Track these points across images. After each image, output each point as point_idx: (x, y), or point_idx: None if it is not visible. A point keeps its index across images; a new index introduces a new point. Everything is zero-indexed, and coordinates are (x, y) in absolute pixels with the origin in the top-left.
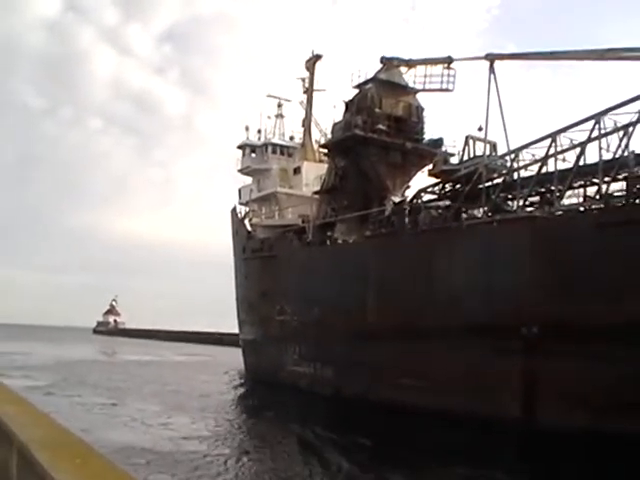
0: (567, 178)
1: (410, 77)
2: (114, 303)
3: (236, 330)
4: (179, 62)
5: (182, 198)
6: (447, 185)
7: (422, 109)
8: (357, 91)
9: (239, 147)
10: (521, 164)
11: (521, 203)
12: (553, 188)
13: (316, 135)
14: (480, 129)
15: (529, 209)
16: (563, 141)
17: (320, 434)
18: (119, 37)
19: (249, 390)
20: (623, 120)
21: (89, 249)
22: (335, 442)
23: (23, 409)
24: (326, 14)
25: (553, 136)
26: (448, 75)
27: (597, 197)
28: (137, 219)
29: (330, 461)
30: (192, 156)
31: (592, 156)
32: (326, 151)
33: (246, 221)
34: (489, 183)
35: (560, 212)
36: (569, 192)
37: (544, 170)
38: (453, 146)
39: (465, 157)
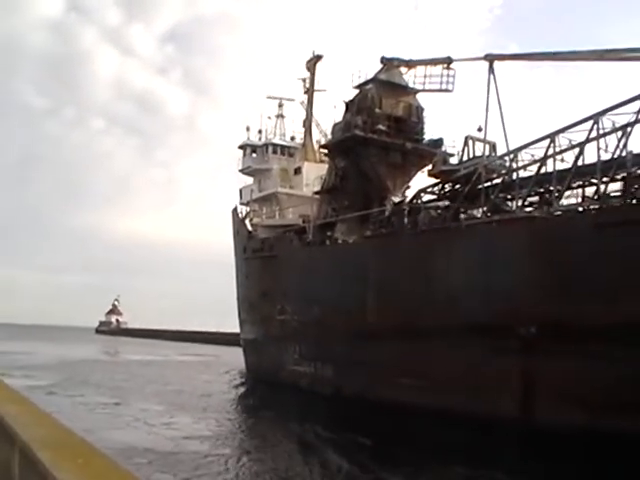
0: (566, 178)
1: (410, 77)
2: (116, 303)
3: (238, 330)
4: (181, 62)
5: (185, 198)
6: (447, 185)
7: (422, 109)
8: (357, 91)
9: (240, 147)
10: (520, 164)
11: (520, 203)
12: (552, 188)
13: (317, 135)
14: (479, 129)
15: (528, 209)
16: (562, 141)
17: (320, 434)
18: (121, 37)
19: (250, 390)
20: (621, 120)
21: (92, 249)
22: (335, 442)
23: (25, 409)
24: (328, 14)
25: (552, 136)
26: (448, 75)
27: (596, 197)
28: (140, 219)
29: (330, 461)
30: (195, 156)
31: (591, 156)
32: (326, 151)
33: (247, 221)
34: (488, 183)
35: (559, 212)
36: (568, 192)
37: (543, 170)
38: (453, 146)
39: (464, 157)
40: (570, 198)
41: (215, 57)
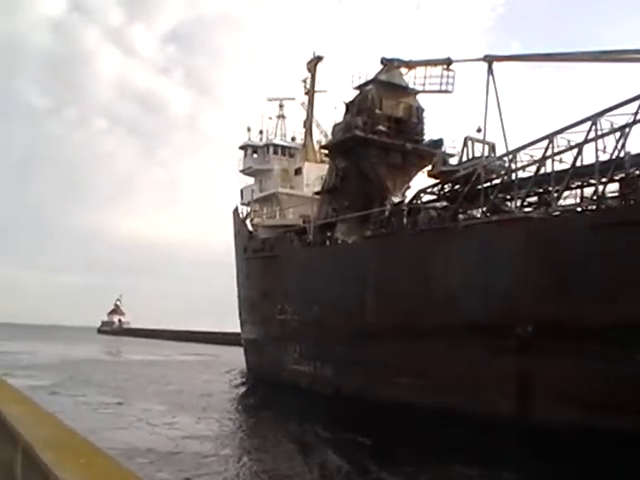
0: (564, 179)
1: (410, 78)
2: (118, 303)
3: (239, 330)
4: (183, 62)
5: (187, 198)
6: (446, 186)
7: (422, 110)
8: (357, 92)
9: (241, 148)
10: (519, 165)
11: (519, 204)
12: (550, 189)
13: (317, 136)
14: (479, 130)
15: (527, 210)
16: (561, 142)
17: (320, 433)
18: (124, 37)
19: (250, 389)
20: (620, 121)
21: (94, 249)
22: (335, 441)
23: (28, 409)
24: (331, 14)
25: (550, 137)
26: (447, 76)
27: (594, 198)
28: (142, 219)
29: (330, 461)
30: (197, 156)
31: (589, 157)
32: (327, 152)
33: (248, 221)
34: (488, 184)
35: (557, 213)
36: (567, 193)
37: (542, 171)
38: (453, 147)
39: (464, 158)
40: (569, 199)
41: (217, 57)
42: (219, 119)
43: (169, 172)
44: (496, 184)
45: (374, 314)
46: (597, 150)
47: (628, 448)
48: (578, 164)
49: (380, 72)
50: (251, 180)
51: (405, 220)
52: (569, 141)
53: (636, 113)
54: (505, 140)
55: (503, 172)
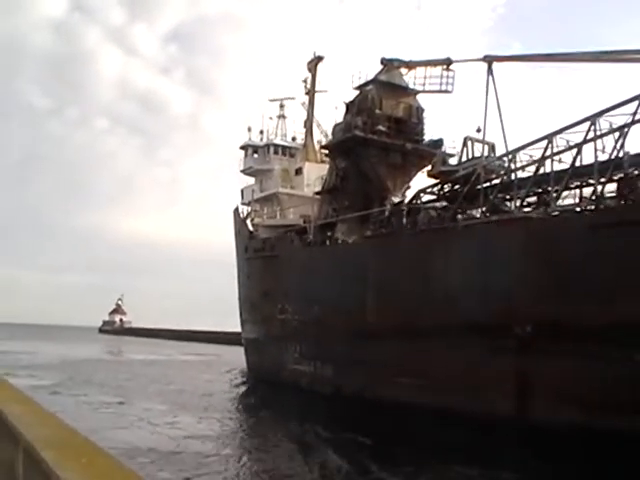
0: (563, 179)
1: (410, 78)
2: (120, 302)
3: (240, 329)
4: (185, 62)
5: (189, 198)
6: (446, 186)
7: (422, 110)
8: (358, 92)
9: (242, 148)
10: (518, 165)
11: (518, 204)
12: (550, 189)
13: (318, 136)
14: (479, 130)
15: (526, 209)
16: (560, 142)
17: (320, 433)
18: (125, 37)
19: (251, 389)
20: (619, 121)
21: (95, 249)
22: (335, 441)
23: (29, 408)
24: (331, 14)
25: (549, 137)
26: (447, 77)
27: (593, 198)
28: (143, 219)
29: (330, 460)
30: (198, 156)
31: (588, 157)
32: (327, 152)
33: (248, 221)
34: (487, 184)
35: (556, 213)
36: (567, 193)
37: (541, 171)
38: (453, 147)
39: (464, 158)
40: (568, 199)
41: (218, 57)
42: (220, 119)
43: (170, 172)
44: (496, 184)
45: (374, 314)
46: (596, 150)
47: (627, 448)
48: (577, 164)
49: (380, 72)
50: (252, 180)
51: (405, 220)
52: (568, 141)
53: (635, 113)
54: (505, 140)
55: (503, 172)
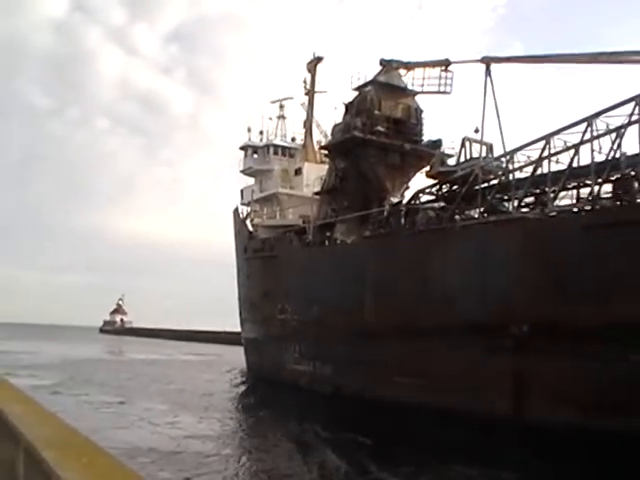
0: (560, 179)
1: (409, 79)
2: (121, 302)
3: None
4: (185, 62)
5: (189, 198)
6: (444, 186)
7: (421, 111)
8: (357, 93)
9: (241, 148)
10: (516, 166)
11: (516, 204)
12: (547, 189)
13: (317, 136)
14: (477, 131)
15: (524, 210)
16: (557, 143)
17: (320, 433)
18: (126, 37)
19: (251, 389)
20: (615, 122)
21: (95, 249)
22: (335, 441)
23: (30, 408)
24: (332, 14)
25: (547, 138)
26: (446, 78)
27: (590, 198)
28: (144, 219)
29: (330, 460)
30: (199, 156)
31: (586, 158)
32: (327, 152)
33: (248, 221)
34: (485, 184)
35: (554, 213)
36: (564, 193)
37: (539, 171)
38: (452, 148)
39: (462, 159)
40: (566, 199)
41: (219, 57)
42: (220, 119)
43: (171, 172)
44: (493, 185)
45: (372, 314)
46: (593, 151)
47: (627, 448)
48: (574, 165)
49: (379, 73)
50: (251, 180)
51: (403, 220)
52: (565, 142)
53: (631, 114)
54: (503, 141)
55: (500, 173)
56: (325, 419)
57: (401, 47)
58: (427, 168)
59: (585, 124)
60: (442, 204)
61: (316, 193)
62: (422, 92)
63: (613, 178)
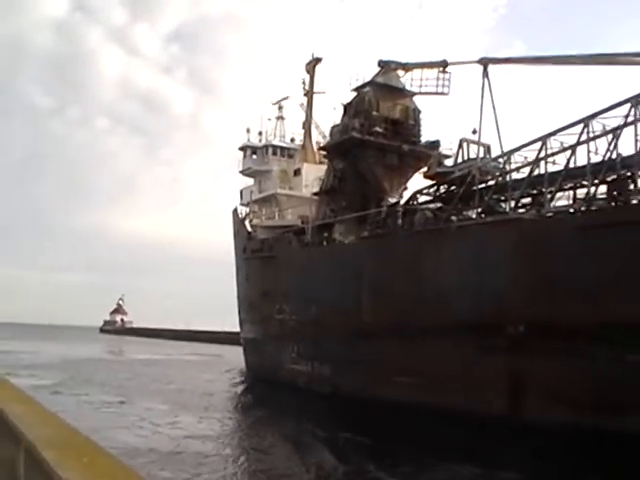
0: (557, 180)
1: (407, 80)
2: (121, 302)
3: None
4: (186, 62)
5: (190, 197)
6: (442, 187)
7: (419, 112)
8: (355, 94)
9: (240, 149)
10: (513, 166)
11: (513, 205)
12: (544, 190)
13: (316, 137)
14: (474, 132)
15: (521, 210)
16: (554, 144)
17: (318, 433)
18: (127, 37)
19: (249, 389)
20: (612, 123)
21: (96, 249)
22: (333, 440)
23: (30, 408)
24: (333, 14)
25: (544, 139)
26: (443, 79)
27: (585, 199)
28: (144, 218)
29: (328, 460)
30: (200, 155)
31: (582, 159)
32: (325, 153)
33: (247, 222)
34: (482, 185)
35: (550, 214)
36: (561, 194)
37: (535, 172)
38: (449, 148)
39: (459, 159)
40: (562, 200)
41: (220, 57)
42: (221, 118)
43: (171, 171)
44: (490, 185)
45: (370, 314)
46: (589, 152)
47: (623, 448)
48: (571, 166)
49: (377, 74)
50: (251, 181)
51: (401, 221)
52: (562, 143)
53: (627, 116)
54: (500, 142)
55: (498, 173)
56: (323, 419)
57: (402, 47)
58: (425, 169)
59: (582, 125)
60: (439, 204)
61: (315, 194)
62: (420, 93)
63: (609, 179)
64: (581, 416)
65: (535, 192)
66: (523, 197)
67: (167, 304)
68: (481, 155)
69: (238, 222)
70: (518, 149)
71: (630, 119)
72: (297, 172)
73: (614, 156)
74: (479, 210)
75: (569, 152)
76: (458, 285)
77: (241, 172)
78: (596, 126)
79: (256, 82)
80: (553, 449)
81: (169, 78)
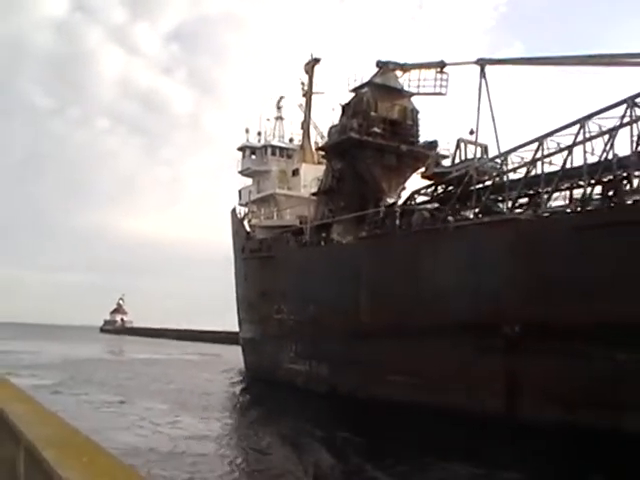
0: (554, 181)
1: (405, 81)
2: (121, 302)
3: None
4: (186, 61)
5: (190, 197)
6: (439, 187)
7: (417, 112)
8: (353, 95)
9: (239, 149)
10: (510, 167)
11: (510, 205)
12: (540, 190)
13: (315, 137)
14: (472, 132)
15: (518, 211)
16: (551, 144)
17: (316, 432)
18: (126, 37)
19: (248, 388)
20: (608, 124)
21: (96, 249)
22: (330, 440)
23: (31, 408)
24: (333, 13)
25: (540, 140)
26: (441, 79)
27: (582, 199)
28: (144, 218)
29: (325, 459)
30: (200, 155)
31: (579, 159)
32: (324, 153)
33: (245, 222)
34: (480, 185)
35: (547, 214)
36: (557, 194)
37: (532, 173)
38: (447, 149)
39: (457, 160)
40: (559, 200)
41: (220, 56)
42: (221, 118)
43: (171, 171)
44: (488, 185)
45: (368, 314)
46: (585, 152)
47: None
48: (567, 166)
49: (375, 75)
50: (249, 181)
51: (398, 221)
52: (559, 143)
53: (623, 116)
54: (497, 142)
55: (495, 174)
56: (321, 418)
57: (402, 47)
58: (423, 169)
59: (578, 126)
60: (437, 205)
61: (313, 194)
62: (418, 93)
63: (605, 179)
64: (576, 415)
65: (532, 192)
66: (520, 197)
67: (167, 304)
68: (478, 155)
69: (237, 222)
70: (515, 149)
71: (626, 120)
72: (295, 172)
73: (610, 157)
74: (476, 210)
75: (566, 153)
76: (455, 285)
77: (240, 172)
78: (592, 127)
79: (256, 82)
80: (552, 449)
81: (169, 78)
